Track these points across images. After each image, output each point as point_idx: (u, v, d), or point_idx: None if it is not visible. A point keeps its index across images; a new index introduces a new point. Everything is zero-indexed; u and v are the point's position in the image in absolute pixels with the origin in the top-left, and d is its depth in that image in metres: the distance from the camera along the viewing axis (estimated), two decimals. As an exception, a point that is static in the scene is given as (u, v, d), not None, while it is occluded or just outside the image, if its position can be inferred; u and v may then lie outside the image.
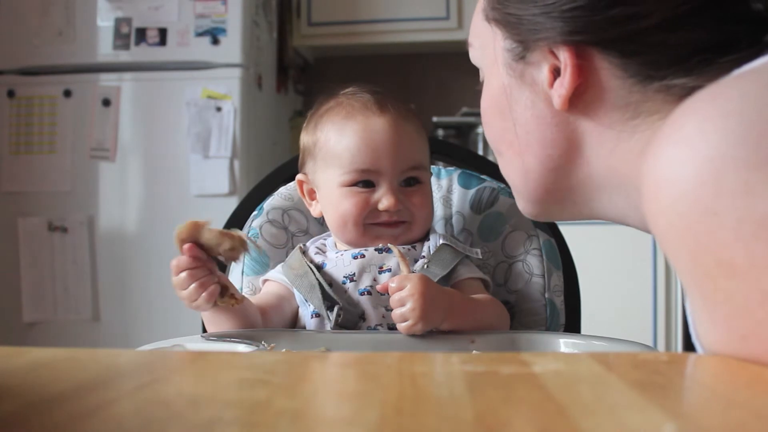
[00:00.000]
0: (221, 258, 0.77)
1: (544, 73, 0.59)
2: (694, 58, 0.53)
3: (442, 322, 0.77)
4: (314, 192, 0.94)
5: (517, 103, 0.62)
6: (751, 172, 0.40)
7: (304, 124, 0.95)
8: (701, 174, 0.42)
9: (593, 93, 0.57)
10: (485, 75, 0.67)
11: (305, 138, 0.93)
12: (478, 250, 0.92)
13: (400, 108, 0.89)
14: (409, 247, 0.89)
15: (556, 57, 0.57)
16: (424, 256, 0.89)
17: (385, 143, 0.86)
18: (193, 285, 0.76)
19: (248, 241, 0.76)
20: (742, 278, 0.40)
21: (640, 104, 0.55)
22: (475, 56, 0.69)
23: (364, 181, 0.87)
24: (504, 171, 0.68)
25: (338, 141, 0.87)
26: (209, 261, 0.77)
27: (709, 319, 0.44)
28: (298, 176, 0.96)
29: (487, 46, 0.65)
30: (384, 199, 0.86)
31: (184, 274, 0.76)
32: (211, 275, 0.77)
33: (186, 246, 0.76)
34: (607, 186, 0.59)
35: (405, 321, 0.75)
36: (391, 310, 0.83)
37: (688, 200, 0.42)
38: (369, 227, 0.88)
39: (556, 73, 0.58)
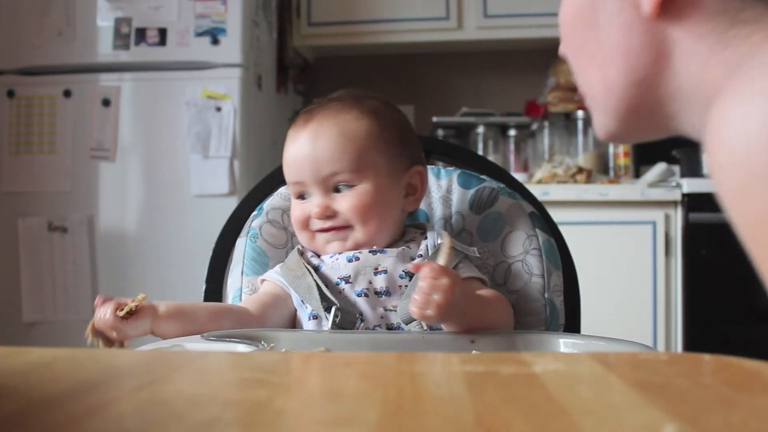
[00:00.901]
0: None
1: None
2: None
3: (458, 321, 0.78)
4: None
5: (601, 10, 0.58)
6: None
7: None
8: (762, 137, 0.40)
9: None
10: None
11: None
12: (475, 249, 0.93)
13: (332, 117, 0.89)
14: (403, 246, 0.89)
15: None
16: (420, 255, 0.89)
17: (303, 155, 0.89)
18: (100, 323, 0.79)
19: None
20: None
21: (738, 12, 0.51)
22: None
23: (303, 193, 0.91)
24: (583, 87, 0.63)
25: (283, 158, 0.93)
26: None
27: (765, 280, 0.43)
28: None
29: None
30: (313, 207, 0.89)
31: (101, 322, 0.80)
32: (100, 306, 0.81)
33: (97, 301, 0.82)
34: (695, 101, 0.55)
35: (424, 308, 0.74)
36: (390, 310, 0.83)
37: (747, 161, 0.41)
38: (316, 234, 0.91)
39: None
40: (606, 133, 0.64)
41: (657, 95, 0.57)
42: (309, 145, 0.88)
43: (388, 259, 0.87)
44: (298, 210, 0.91)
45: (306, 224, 0.90)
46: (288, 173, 0.92)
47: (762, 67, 0.43)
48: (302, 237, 0.92)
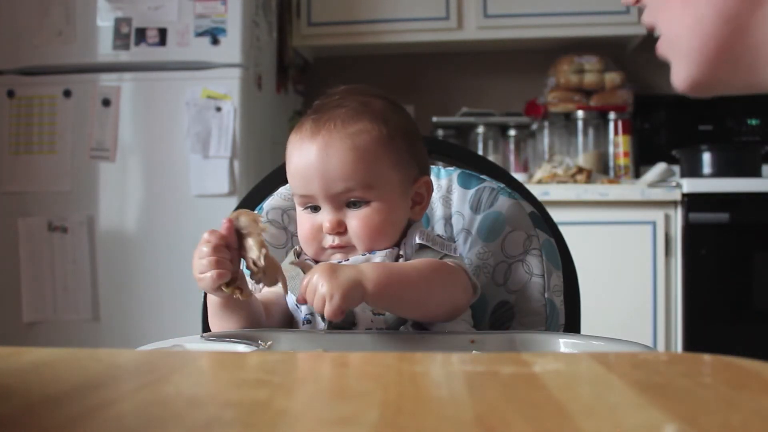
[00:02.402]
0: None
1: None
2: None
3: (366, 293, 0.75)
4: None
5: None
6: None
7: None
8: None
9: None
10: None
11: None
12: (455, 246, 0.90)
13: (341, 129, 0.85)
14: (391, 248, 0.88)
15: None
16: (402, 255, 0.88)
17: (312, 169, 0.85)
18: (207, 260, 0.75)
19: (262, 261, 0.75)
20: None
21: None
22: None
23: (312, 206, 0.87)
24: (665, 30, 0.59)
25: (287, 164, 0.89)
26: (236, 250, 0.76)
27: None
28: None
29: None
30: (324, 222, 0.86)
31: (206, 247, 0.75)
32: (229, 262, 0.76)
33: (225, 223, 0.77)
34: None
35: (325, 305, 0.73)
36: (378, 314, 0.82)
37: None
38: (322, 249, 0.87)
39: None
40: (688, 80, 0.59)
41: (750, 38, 0.53)
42: (319, 159, 0.84)
43: (377, 261, 0.86)
44: (307, 223, 0.88)
45: (315, 237, 0.87)
46: (295, 185, 0.88)
47: None
48: (309, 249, 0.89)
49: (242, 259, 0.78)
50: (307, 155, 0.85)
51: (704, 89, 0.59)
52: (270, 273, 0.76)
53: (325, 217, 0.86)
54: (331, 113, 0.87)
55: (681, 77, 0.59)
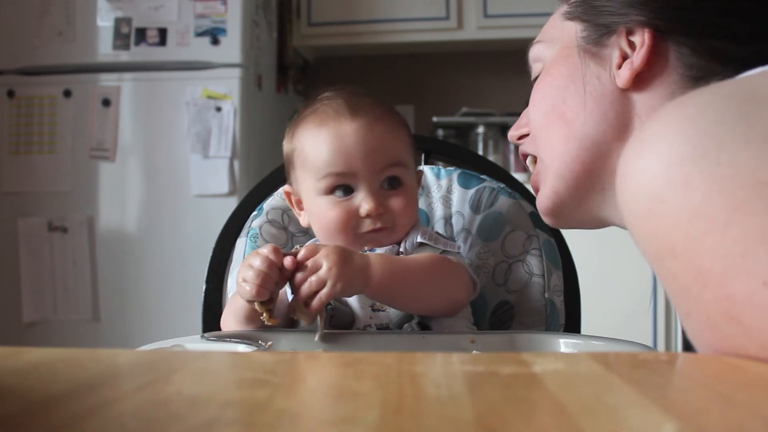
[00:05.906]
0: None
1: (615, 54, 0.66)
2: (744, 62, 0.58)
3: (367, 283, 0.75)
4: (301, 202, 0.91)
5: (586, 83, 0.68)
6: (691, 164, 0.44)
7: (285, 133, 0.92)
8: (655, 168, 0.47)
9: (654, 75, 0.63)
10: (549, 64, 0.72)
11: (285, 147, 0.91)
12: (457, 244, 0.90)
13: (375, 110, 0.85)
14: (391, 245, 0.87)
15: (630, 42, 0.65)
16: (402, 253, 0.87)
17: (357, 145, 0.83)
18: (255, 271, 0.73)
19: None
20: (680, 259, 0.44)
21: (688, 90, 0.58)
22: (540, 50, 0.75)
23: (344, 188, 0.84)
24: (544, 152, 0.70)
25: (312, 149, 0.85)
26: (284, 275, 0.74)
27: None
28: (285, 187, 0.95)
29: (558, 39, 0.72)
30: (364, 203, 0.83)
31: (259, 259, 0.73)
32: (275, 283, 0.74)
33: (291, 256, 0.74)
34: None
35: (322, 286, 0.72)
36: (379, 310, 0.82)
37: (644, 190, 0.47)
38: (357, 236, 0.84)
39: (625, 57, 0.65)
40: (552, 196, 0.70)
41: (611, 165, 0.64)
42: (365, 136, 0.83)
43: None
44: (339, 209, 0.84)
45: (349, 223, 0.84)
46: (333, 163, 0.83)
47: (654, 118, 0.50)
48: (339, 238, 0.84)
49: (290, 287, 0.75)
50: (351, 133, 0.83)
51: (565, 213, 0.72)
52: (312, 314, 0.75)
53: (367, 195, 0.83)
54: (357, 100, 0.86)
55: (546, 193, 0.71)
